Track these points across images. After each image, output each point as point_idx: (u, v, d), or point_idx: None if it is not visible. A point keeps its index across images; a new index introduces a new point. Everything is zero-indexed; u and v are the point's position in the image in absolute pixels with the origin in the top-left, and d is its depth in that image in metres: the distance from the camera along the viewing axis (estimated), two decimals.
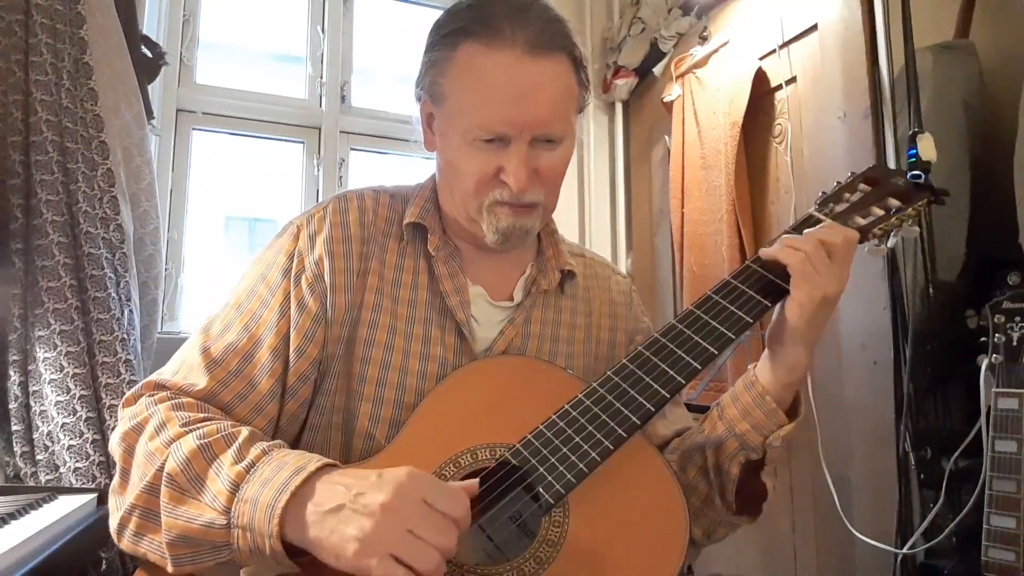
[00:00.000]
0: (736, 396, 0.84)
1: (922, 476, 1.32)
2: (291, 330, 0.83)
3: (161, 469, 0.70)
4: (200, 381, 0.79)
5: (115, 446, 0.76)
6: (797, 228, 0.86)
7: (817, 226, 0.83)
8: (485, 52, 0.80)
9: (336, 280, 0.85)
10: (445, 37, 0.84)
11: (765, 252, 0.82)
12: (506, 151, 0.81)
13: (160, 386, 0.80)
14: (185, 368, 0.81)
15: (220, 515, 0.66)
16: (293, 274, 0.85)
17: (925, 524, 1.28)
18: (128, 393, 0.81)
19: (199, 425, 0.73)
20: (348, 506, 0.63)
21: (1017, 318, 1.08)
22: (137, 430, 0.75)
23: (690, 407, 1.05)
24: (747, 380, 0.83)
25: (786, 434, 0.80)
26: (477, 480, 0.70)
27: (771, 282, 0.81)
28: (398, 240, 0.91)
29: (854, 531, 1.37)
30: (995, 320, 1.10)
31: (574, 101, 0.86)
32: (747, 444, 0.81)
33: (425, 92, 0.88)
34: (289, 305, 0.84)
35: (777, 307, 0.81)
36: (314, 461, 0.68)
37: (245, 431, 0.73)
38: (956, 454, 1.25)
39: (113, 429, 1.45)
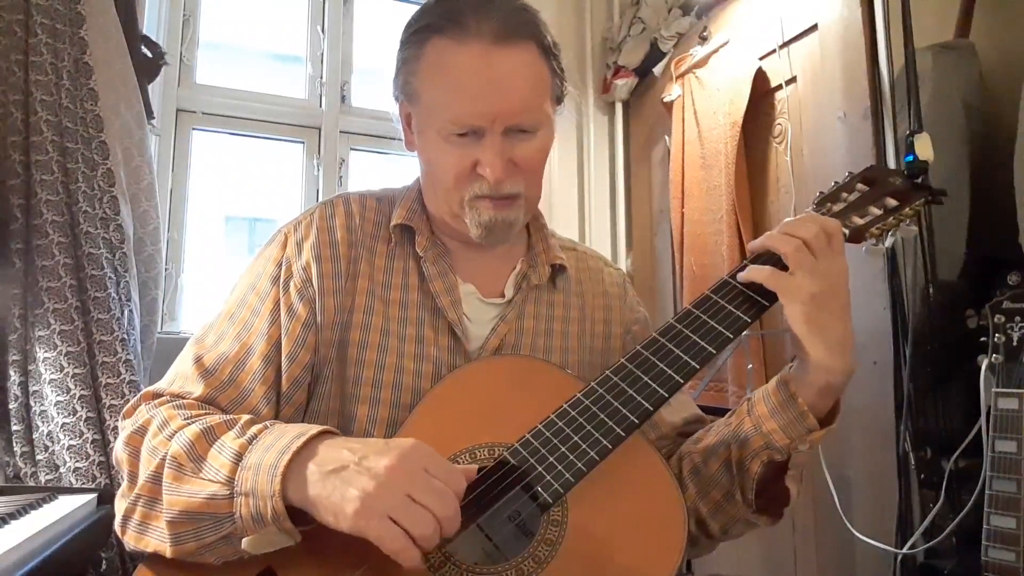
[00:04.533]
0: (768, 394, 0.81)
1: (922, 476, 1.32)
2: (282, 336, 0.83)
3: (164, 458, 0.71)
4: (196, 390, 0.80)
5: (120, 452, 0.76)
6: None
7: (785, 222, 0.81)
8: (452, 46, 0.81)
9: (324, 284, 0.86)
10: (414, 35, 0.84)
11: (741, 276, 0.80)
12: (480, 144, 0.82)
13: (157, 395, 0.81)
14: (180, 378, 0.82)
15: (223, 486, 0.67)
16: (282, 281, 0.86)
17: (925, 524, 1.28)
18: (127, 405, 0.82)
19: (202, 417, 0.74)
20: (352, 467, 0.65)
21: (1017, 318, 1.08)
22: (140, 432, 0.76)
23: None
24: (781, 379, 0.80)
25: (815, 440, 0.77)
26: (475, 466, 0.70)
27: None
28: (386, 243, 0.91)
29: (854, 531, 1.36)
30: (995, 320, 1.10)
31: (547, 89, 0.86)
32: (772, 444, 0.78)
33: (400, 92, 0.88)
34: (279, 312, 0.84)
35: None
36: (315, 427, 0.70)
37: (246, 416, 0.75)
38: (956, 454, 1.24)
39: (114, 429, 1.47)
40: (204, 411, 0.77)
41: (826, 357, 0.75)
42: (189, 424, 0.73)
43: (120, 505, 0.74)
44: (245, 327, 0.84)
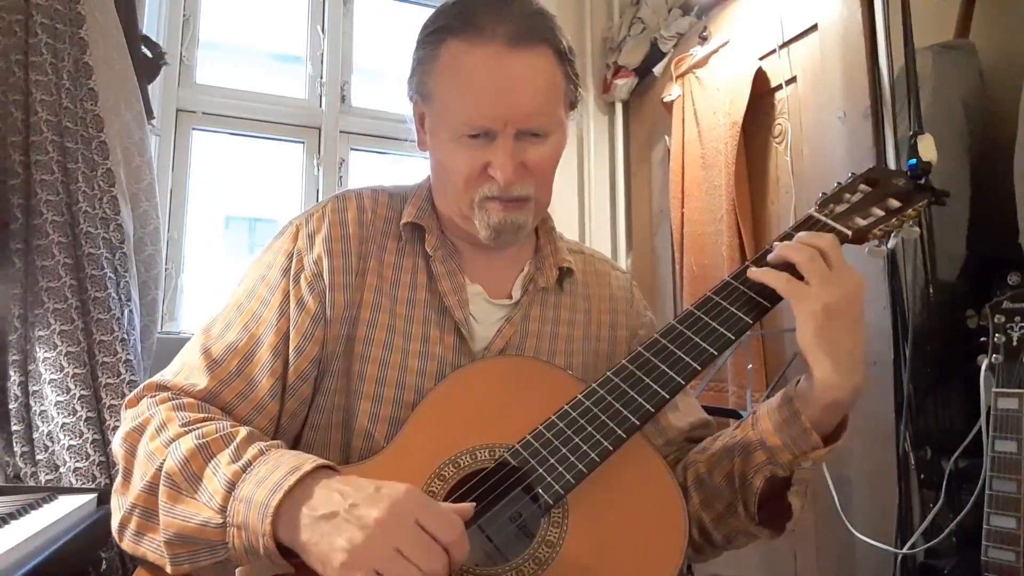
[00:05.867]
0: (773, 408, 0.79)
1: (922, 476, 1.32)
2: (291, 329, 0.83)
3: (160, 468, 0.70)
4: (201, 381, 0.79)
5: (117, 447, 0.76)
6: (797, 229, 0.86)
7: (799, 235, 0.80)
8: (467, 48, 0.81)
9: (335, 279, 0.85)
10: (430, 36, 0.85)
11: (753, 274, 0.79)
12: (492, 146, 0.82)
13: (162, 387, 0.80)
14: (186, 369, 0.81)
15: (216, 514, 0.66)
16: (292, 273, 0.86)
17: (925, 524, 1.28)
18: (130, 395, 0.81)
19: (199, 425, 0.73)
20: (341, 515, 0.63)
21: (1017, 318, 1.08)
22: (139, 431, 0.75)
23: None
24: (787, 395, 0.78)
25: (818, 457, 0.76)
26: (473, 504, 0.69)
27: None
28: (397, 240, 0.91)
29: (854, 531, 1.37)
30: (995, 320, 1.10)
31: (560, 94, 0.86)
32: (775, 460, 0.77)
33: (415, 92, 0.89)
34: (289, 304, 0.84)
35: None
36: (310, 461, 0.68)
37: (243, 431, 0.73)
38: (956, 454, 1.25)
39: (113, 429, 1.47)
40: (203, 415, 0.76)
41: (833, 373, 0.73)
42: (185, 433, 0.72)
43: (116, 506, 0.74)
44: (254, 318, 0.84)
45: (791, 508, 0.79)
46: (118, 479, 0.75)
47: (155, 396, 0.79)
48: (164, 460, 0.70)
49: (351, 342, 0.86)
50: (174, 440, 0.71)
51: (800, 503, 0.79)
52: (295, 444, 0.86)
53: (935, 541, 1.26)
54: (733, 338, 0.77)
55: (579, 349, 0.96)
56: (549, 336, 0.94)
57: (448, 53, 0.82)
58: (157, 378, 0.82)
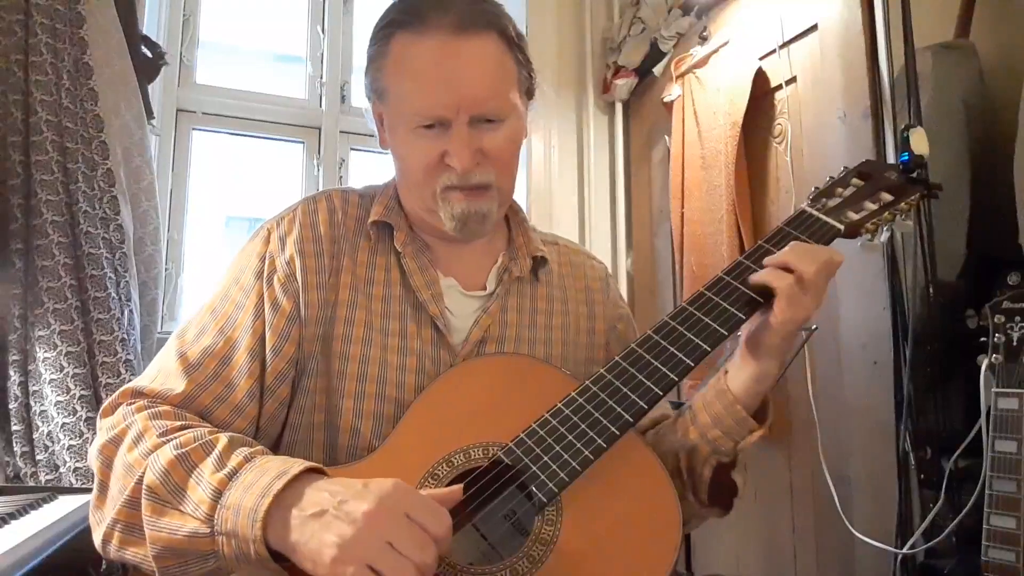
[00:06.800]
0: (708, 403, 0.84)
1: (922, 476, 1.31)
2: (266, 330, 0.83)
3: (140, 482, 0.69)
4: (178, 385, 0.79)
5: (93, 459, 0.75)
6: (790, 224, 0.86)
7: (794, 245, 0.82)
8: (415, 39, 0.82)
9: (308, 279, 0.86)
10: (380, 33, 0.86)
11: (755, 277, 0.80)
12: (448, 134, 0.82)
13: (138, 393, 0.79)
14: (163, 374, 0.81)
15: (203, 524, 0.65)
16: (265, 276, 0.86)
17: (925, 524, 1.28)
18: (106, 402, 0.80)
19: (176, 434, 0.72)
20: (331, 512, 0.63)
21: (1017, 318, 1.08)
22: (115, 442, 0.74)
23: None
24: (719, 388, 0.84)
25: (756, 439, 0.82)
26: (461, 486, 0.69)
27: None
28: (368, 239, 0.91)
29: (854, 531, 1.36)
30: (995, 320, 1.10)
31: (511, 79, 0.86)
32: (719, 449, 0.82)
33: (370, 91, 0.89)
34: (263, 306, 0.84)
35: (753, 320, 0.81)
36: (297, 464, 0.67)
37: (224, 439, 0.72)
38: (956, 454, 1.24)
39: None
40: (180, 422, 0.75)
41: (776, 369, 0.81)
42: (163, 444, 0.71)
43: (95, 521, 0.73)
44: (229, 321, 0.84)
45: (736, 485, 0.85)
46: (94, 493, 0.74)
47: (132, 404, 0.78)
48: (144, 473, 0.69)
49: (329, 341, 0.85)
50: (152, 451, 0.70)
51: (743, 478, 0.85)
52: (276, 445, 0.86)
53: (935, 541, 1.25)
54: (726, 334, 0.78)
55: (558, 339, 0.96)
56: (528, 326, 0.94)
57: (396, 47, 0.83)
58: (133, 384, 0.81)
